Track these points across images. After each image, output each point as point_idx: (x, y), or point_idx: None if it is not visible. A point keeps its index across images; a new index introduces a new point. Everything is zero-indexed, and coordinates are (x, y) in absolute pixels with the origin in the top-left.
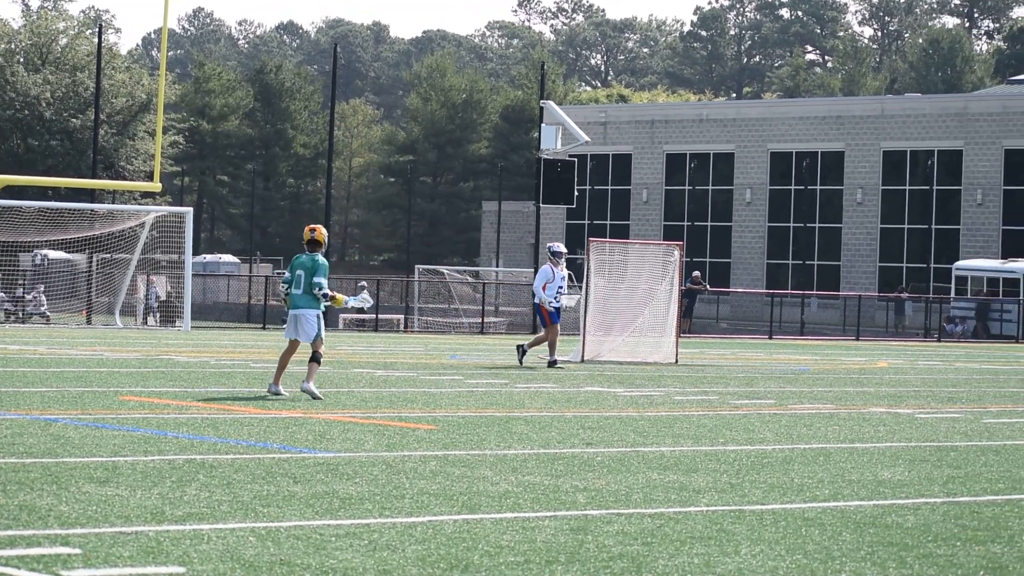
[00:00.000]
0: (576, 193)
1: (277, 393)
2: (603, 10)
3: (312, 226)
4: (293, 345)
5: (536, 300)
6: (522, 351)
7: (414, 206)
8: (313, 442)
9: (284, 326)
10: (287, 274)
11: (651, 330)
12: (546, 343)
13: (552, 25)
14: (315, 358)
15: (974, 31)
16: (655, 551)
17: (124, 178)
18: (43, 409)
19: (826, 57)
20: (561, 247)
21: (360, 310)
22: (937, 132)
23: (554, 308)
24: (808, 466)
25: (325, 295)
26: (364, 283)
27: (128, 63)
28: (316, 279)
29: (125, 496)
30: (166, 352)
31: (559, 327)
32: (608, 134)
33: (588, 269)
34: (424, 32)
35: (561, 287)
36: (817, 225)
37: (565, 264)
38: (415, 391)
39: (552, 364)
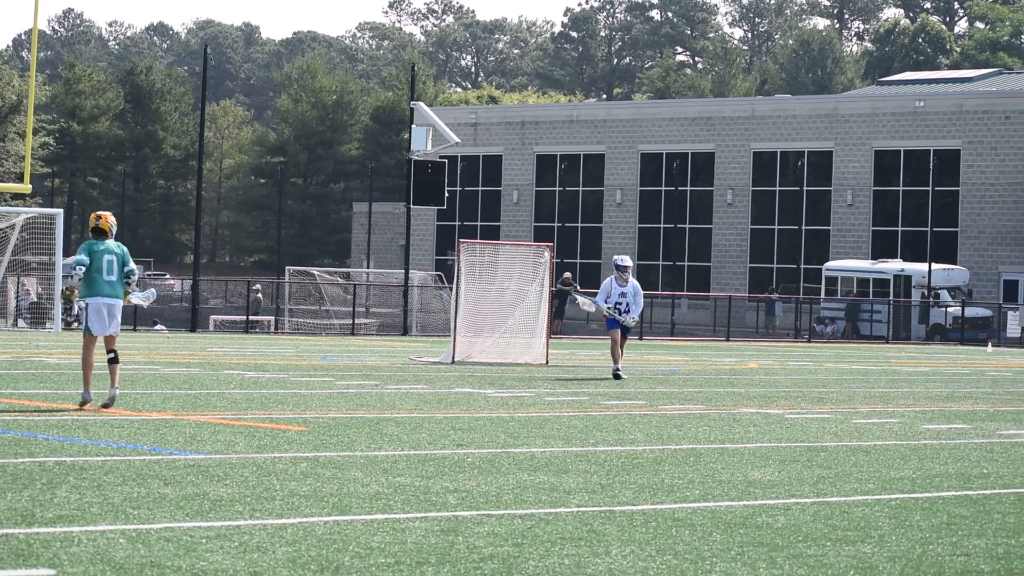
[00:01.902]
0: (446, 194)
1: (88, 400)
2: (473, 11)
3: (98, 213)
4: (94, 341)
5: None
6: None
7: (285, 207)
8: (183, 444)
9: (71, 318)
10: (82, 258)
11: (521, 331)
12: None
13: (423, 26)
14: (117, 358)
15: (844, 32)
16: (526, 552)
17: None
18: None
19: (696, 58)
20: (625, 260)
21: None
22: (807, 133)
23: (614, 316)
24: (678, 467)
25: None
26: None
27: None
28: (129, 267)
29: None
30: (36, 354)
31: (618, 334)
32: (478, 135)
33: (458, 270)
34: (295, 33)
35: (620, 303)
36: (687, 226)
37: (632, 277)
38: (286, 392)
39: (616, 374)
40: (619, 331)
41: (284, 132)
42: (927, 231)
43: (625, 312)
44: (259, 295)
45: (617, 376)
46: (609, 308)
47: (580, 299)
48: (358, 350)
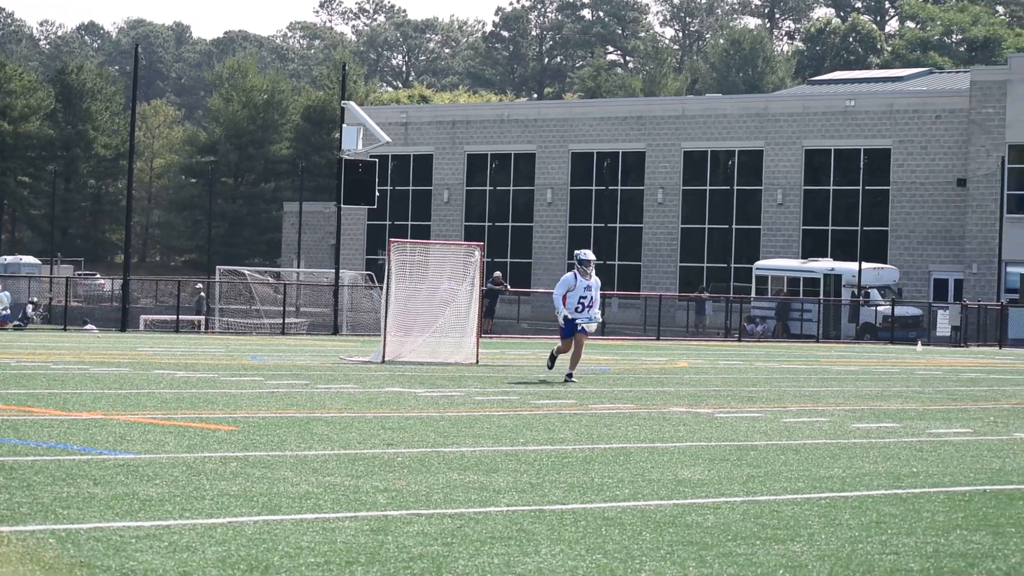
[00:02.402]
0: (377, 194)
1: None
2: (404, 11)
3: None
4: None
5: (559, 316)
6: (568, 376)
7: (215, 207)
8: (113, 443)
9: None
10: None
11: (452, 330)
12: (569, 355)
13: (354, 26)
14: None
15: (775, 32)
16: (455, 551)
17: None
18: None
19: (627, 58)
20: (588, 254)
21: None
22: (738, 132)
23: (570, 320)
24: (608, 466)
25: None
26: None
27: None
28: None
29: None
30: None
31: (572, 343)
32: (409, 135)
33: (389, 270)
34: (226, 33)
35: (584, 297)
36: (618, 225)
37: (594, 273)
38: (216, 392)
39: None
40: (572, 341)
41: (215, 132)
42: (857, 230)
43: (588, 307)
44: (203, 294)
45: (551, 371)
46: (564, 313)
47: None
48: (288, 350)
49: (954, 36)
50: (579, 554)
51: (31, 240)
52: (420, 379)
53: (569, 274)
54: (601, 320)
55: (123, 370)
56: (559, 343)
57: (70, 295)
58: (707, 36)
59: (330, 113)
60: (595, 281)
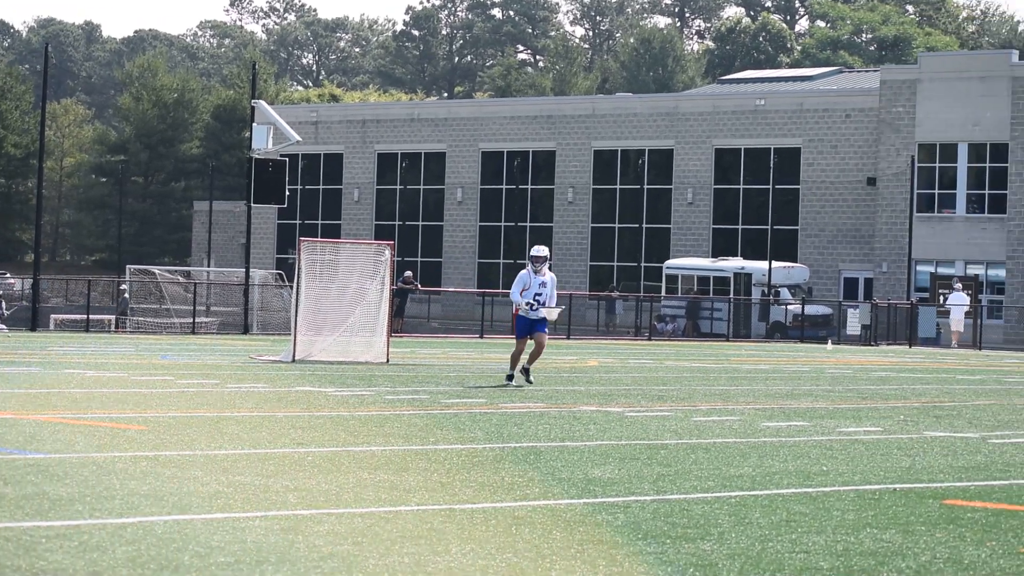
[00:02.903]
0: (287, 193)
1: None
2: (315, 9)
3: None
4: None
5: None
6: (524, 371)
7: (125, 206)
8: (23, 443)
9: None
10: None
11: (362, 329)
12: (523, 354)
13: (264, 25)
14: None
15: (685, 31)
16: (365, 551)
17: None
18: None
19: (537, 57)
20: (540, 250)
21: None
22: (648, 131)
23: (524, 319)
24: (519, 465)
25: None
26: None
27: None
28: None
29: None
30: None
31: (528, 343)
32: (319, 134)
33: (299, 269)
34: (136, 32)
35: (539, 293)
36: (528, 224)
37: (548, 269)
38: (126, 392)
39: (509, 378)
40: (527, 337)
41: (125, 131)
42: (767, 229)
43: (543, 305)
44: (126, 295)
45: (509, 378)
46: (521, 304)
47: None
48: (199, 349)
49: (864, 35)
50: (489, 553)
51: None
52: (330, 378)
53: (523, 271)
54: (554, 318)
55: (33, 369)
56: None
57: None
58: (617, 35)
59: (240, 112)
60: (550, 277)
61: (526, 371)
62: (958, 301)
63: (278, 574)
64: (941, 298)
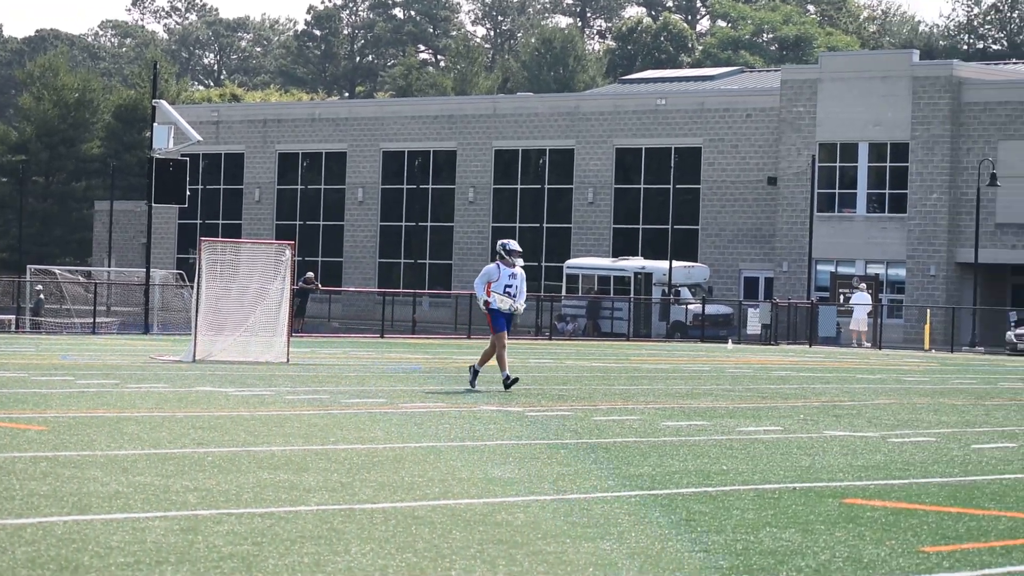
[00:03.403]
0: (188, 193)
1: None
2: (216, 9)
3: None
4: None
5: (480, 303)
6: (473, 372)
7: (26, 206)
8: None
9: None
10: None
11: (263, 329)
12: (495, 358)
13: (165, 24)
14: None
15: (587, 31)
16: (265, 551)
17: None
18: None
19: (439, 56)
20: (512, 244)
21: None
22: (549, 131)
23: (499, 312)
24: (419, 464)
25: None
26: None
27: None
28: None
29: None
30: None
31: (506, 336)
32: (221, 133)
33: (200, 269)
34: (37, 31)
35: (510, 286)
36: (429, 224)
37: (521, 263)
38: (26, 392)
39: (508, 382)
40: (506, 332)
41: (26, 130)
42: (668, 229)
43: (514, 297)
44: (41, 296)
45: (512, 382)
46: (500, 296)
47: (499, 300)
48: (99, 349)
49: (765, 35)
50: (389, 553)
51: None
52: (231, 378)
53: (491, 265)
54: (521, 311)
55: None
56: (485, 350)
57: None
58: (519, 35)
59: (142, 112)
60: (520, 272)
61: (474, 372)
62: (861, 301)
63: (178, 574)
64: (842, 298)
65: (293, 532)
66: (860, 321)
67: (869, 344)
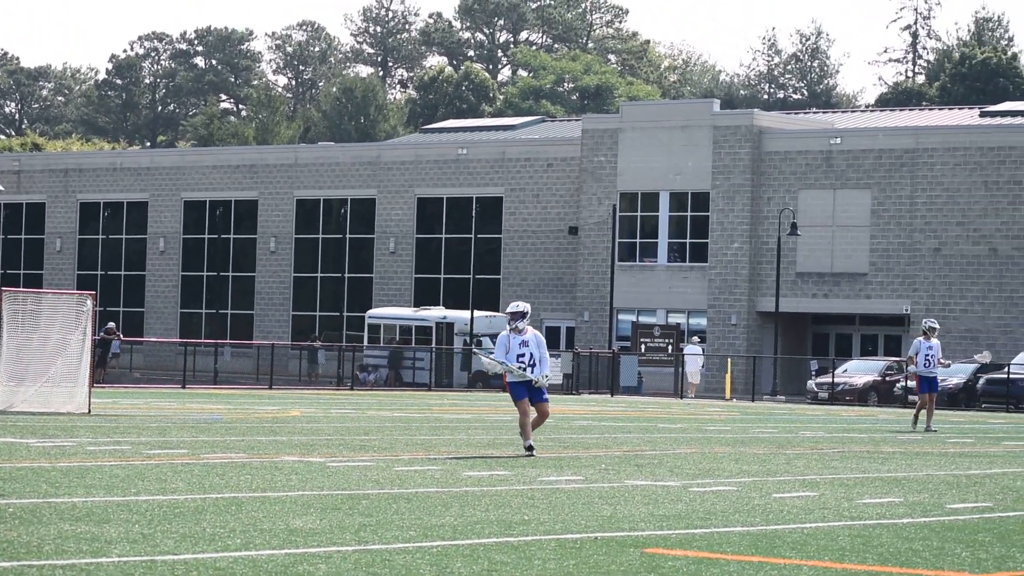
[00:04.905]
0: None
1: None
2: (18, 58)
3: None
4: None
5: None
6: (527, 448)
7: None
8: None
9: None
10: None
11: (64, 380)
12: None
13: None
14: None
15: (388, 80)
16: None
17: None
18: None
19: (240, 106)
20: (516, 306)
21: None
22: (350, 181)
23: (517, 382)
24: (220, 515)
25: None
26: None
27: None
28: None
29: None
30: None
31: (529, 408)
32: (22, 183)
33: (1, 319)
34: None
35: (522, 355)
36: (231, 274)
37: (527, 326)
38: None
39: (528, 449)
40: (528, 400)
41: None
42: (469, 278)
43: (531, 367)
44: None
45: (528, 450)
46: (516, 367)
47: (484, 359)
48: None
49: (566, 84)
50: None
51: None
52: (32, 429)
53: (504, 333)
54: (546, 381)
55: None
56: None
57: None
58: (320, 84)
59: None
60: (533, 336)
61: (528, 448)
62: (693, 352)
63: None
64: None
65: None
66: (692, 374)
67: (694, 396)
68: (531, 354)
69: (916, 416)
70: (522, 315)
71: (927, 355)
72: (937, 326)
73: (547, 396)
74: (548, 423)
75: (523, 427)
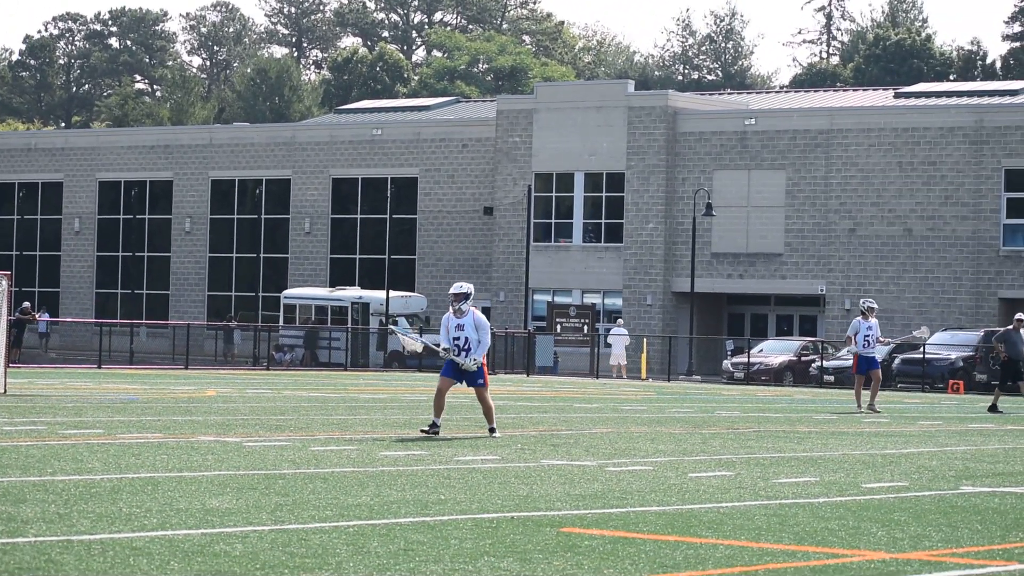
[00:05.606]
0: None
1: None
2: None
3: None
4: None
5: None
6: (490, 430)
7: None
8: None
9: None
10: None
11: None
12: (444, 397)
13: None
14: None
15: (302, 61)
16: None
17: None
18: None
19: (155, 86)
20: (457, 287)
21: None
22: (265, 161)
23: (453, 359)
24: (136, 495)
25: None
26: None
27: None
28: None
29: None
30: None
31: (448, 382)
32: None
33: None
34: None
35: (457, 338)
36: (146, 254)
37: (472, 307)
38: None
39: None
40: (449, 378)
41: None
42: (385, 259)
43: (465, 351)
44: None
45: (435, 429)
46: (446, 348)
47: (403, 337)
48: None
49: (481, 65)
50: None
51: None
52: None
53: (447, 313)
54: (474, 367)
55: None
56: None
57: None
58: (235, 64)
59: None
60: (471, 319)
61: (492, 430)
62: (620, 334)
63: None
64: (605, 335)
65: (11, 564)
66: (619, 355)
67: (620, 376)
68: (466, 337)
69: (858, 395)
70: (465, 296)
71: (866, 335)
72: (875, 306)
73: (483, 381)
74: (463, 403)
75: (436, 403)
